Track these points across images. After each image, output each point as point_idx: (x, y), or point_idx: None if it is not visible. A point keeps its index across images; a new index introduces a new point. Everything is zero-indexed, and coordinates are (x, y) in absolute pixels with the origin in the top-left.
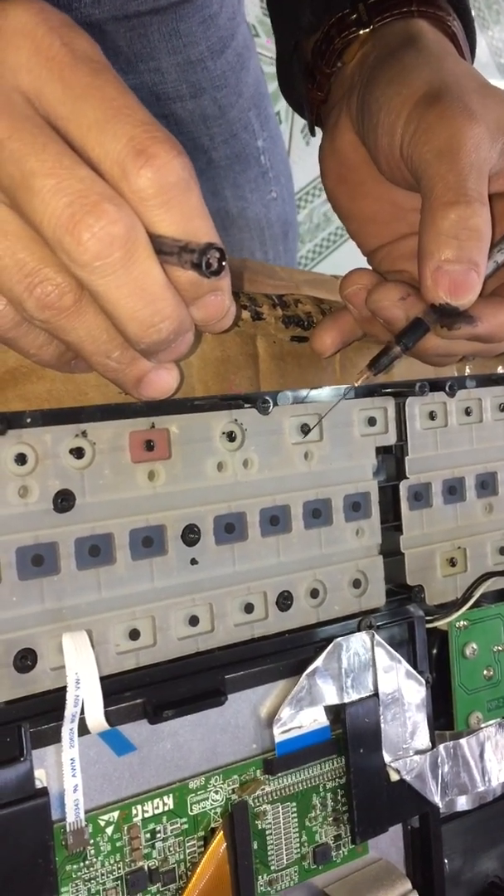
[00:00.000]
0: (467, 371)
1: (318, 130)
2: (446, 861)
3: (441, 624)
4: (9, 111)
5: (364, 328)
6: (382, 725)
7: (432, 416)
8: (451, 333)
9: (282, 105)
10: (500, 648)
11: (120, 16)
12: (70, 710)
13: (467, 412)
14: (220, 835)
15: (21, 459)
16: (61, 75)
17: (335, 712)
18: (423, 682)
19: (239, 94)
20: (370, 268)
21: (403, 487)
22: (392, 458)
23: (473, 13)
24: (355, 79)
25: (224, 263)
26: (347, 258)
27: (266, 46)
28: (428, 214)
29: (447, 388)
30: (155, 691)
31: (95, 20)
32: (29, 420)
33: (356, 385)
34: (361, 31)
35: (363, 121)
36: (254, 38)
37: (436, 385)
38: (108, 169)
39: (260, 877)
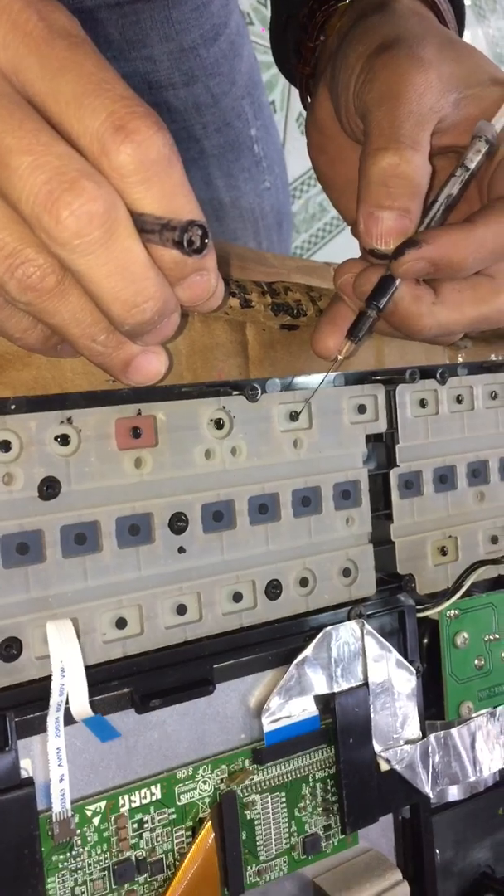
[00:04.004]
0: (460, 359)
1: None
2: (437, 852)
3: (432, 613)
4: None
5: None
6: (372, 715)
7: (423, 403)
8: (400, 263)
9: (276, 95)
10: (491, 638)
11: (112, 3)
12: (55, 699)
13: (458, 400)
14: (208, 825)
15: (5, 446)
16: (38, 50)
17: (324, 702)
18: (414, 671)
19: (232, 83)
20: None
21: (394, 476)
22: (382, 446)
23: (471, 2)
24: (332, 49)
25: (207, 241)
26: (343, 248)
27: (260, 34)
28: (363, 159)
29: (438, 376)
30: (142, 680)
31: (87, 7)
32: (13, 406)
33: (340, 358)
34: (340, 4)
35: (331, 84)
36: (247, 27)
37: (426, 372)
38: (87, 145)
39: (249, 867)
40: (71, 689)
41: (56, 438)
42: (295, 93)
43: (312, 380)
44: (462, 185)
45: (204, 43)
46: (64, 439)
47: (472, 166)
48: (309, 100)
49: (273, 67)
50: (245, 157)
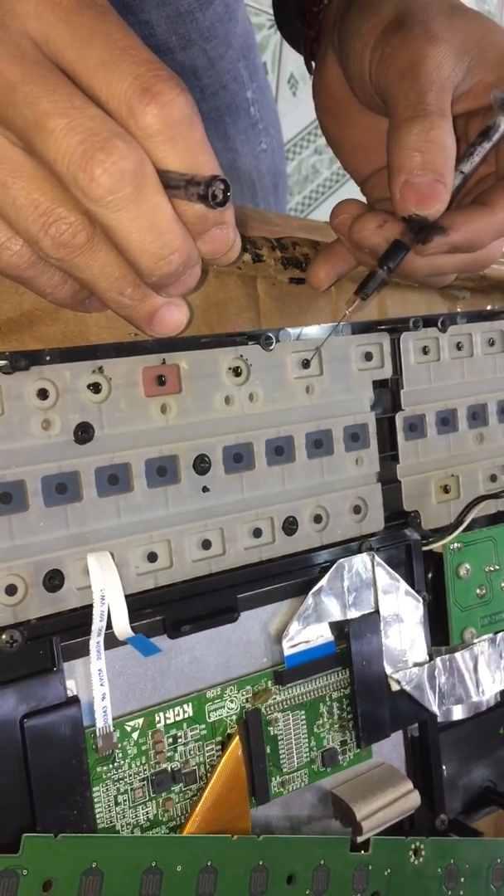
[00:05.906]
0: (459, 310)
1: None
2: (444, 767)
3: (436, 546)
4: (20, 56)
5: (356, 257)
6: (383, 640)
7: (425, 350)
8: (427, 248)
9: (268, 55)
10: (492, 569)
11: None
12: (97, 624)
13: (459, 347)
14: (236, 739)
15: (43, 394)
16: (67, 20)
17: (339, 628)
18: (420, 599)
19: (228, 45)
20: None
21: (399, 419)
22: (388, 392)
23: None
24: (339, 12)
25: (229, 195)
26: None
27: None
28: (392, 132)
29: (439, 324)
30: (173, 609)
31: None
32: (48, 358)
33: (347, 312)
34: None
35: (340, 51)
36: None
37: (428, 321)
38: (115, 108)
39: (273, 778)
40: (113, 612)
41: (88, 387)
42: (287, 55)
43: (323, 330)
44: (483, 156)
45: (199, 6)
46: (96, 387)
47: (496, 137)
48: (314, 64)
49: (263, 29)
50: (242, 120)
